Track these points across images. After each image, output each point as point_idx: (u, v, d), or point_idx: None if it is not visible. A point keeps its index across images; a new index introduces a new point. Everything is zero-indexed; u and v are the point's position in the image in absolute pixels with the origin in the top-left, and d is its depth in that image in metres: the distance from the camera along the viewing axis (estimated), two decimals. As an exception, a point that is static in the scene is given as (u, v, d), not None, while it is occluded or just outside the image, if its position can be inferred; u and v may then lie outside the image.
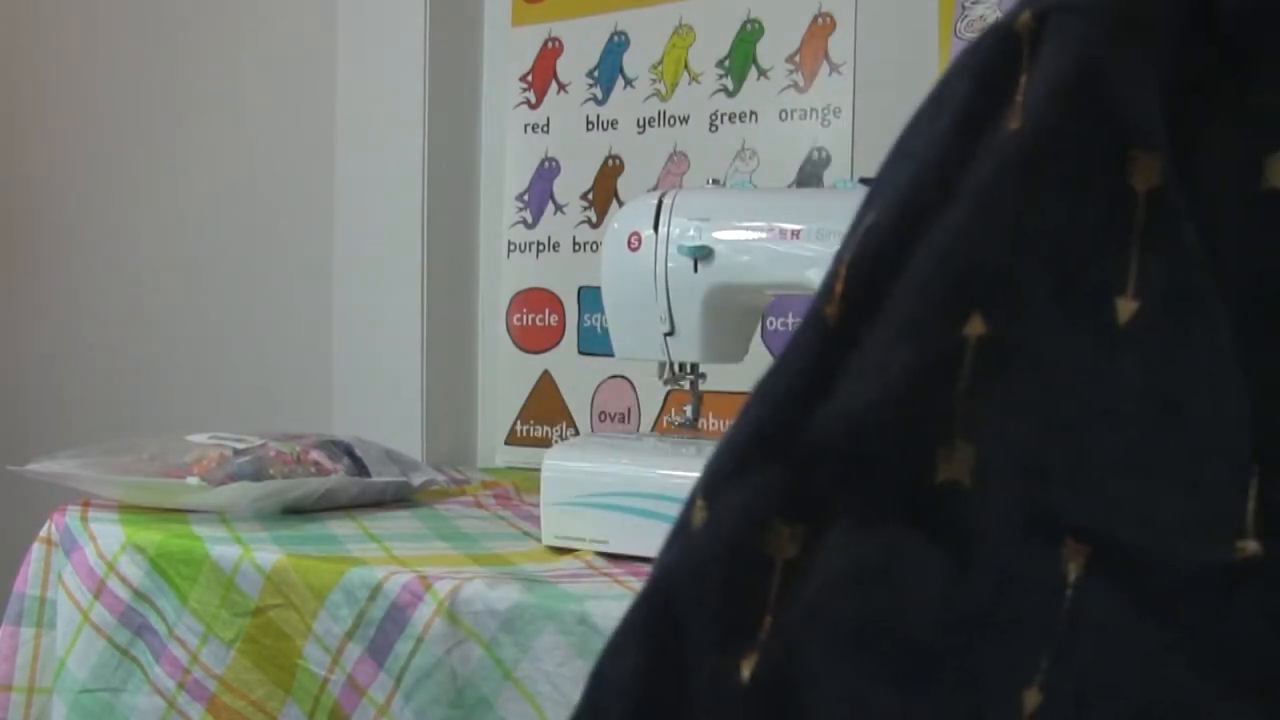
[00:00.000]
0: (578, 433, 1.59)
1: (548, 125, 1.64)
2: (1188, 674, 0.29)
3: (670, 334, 1.03)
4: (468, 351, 1.70)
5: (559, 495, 1.01)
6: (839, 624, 0.32)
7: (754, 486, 0.36)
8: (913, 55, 1.37)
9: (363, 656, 0.90)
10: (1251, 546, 0.30)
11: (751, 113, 1.48)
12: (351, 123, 1.69)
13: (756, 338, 1.32)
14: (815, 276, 0.95)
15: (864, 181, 1.00)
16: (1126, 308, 0.32)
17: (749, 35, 1.48)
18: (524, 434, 1.65)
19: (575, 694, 0.82)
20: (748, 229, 0.99)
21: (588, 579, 0.91)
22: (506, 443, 1.66)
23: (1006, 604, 0.31)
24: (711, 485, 0.38)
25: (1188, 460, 0.31)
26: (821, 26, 1.44)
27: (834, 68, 1.43)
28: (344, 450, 1.25)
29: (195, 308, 1.96)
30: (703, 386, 1.09)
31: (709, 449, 1.09)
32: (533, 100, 1.65)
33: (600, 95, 1.59)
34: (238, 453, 1.16)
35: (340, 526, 1.11)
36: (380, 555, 0.98)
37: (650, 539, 0.96)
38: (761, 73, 1.47)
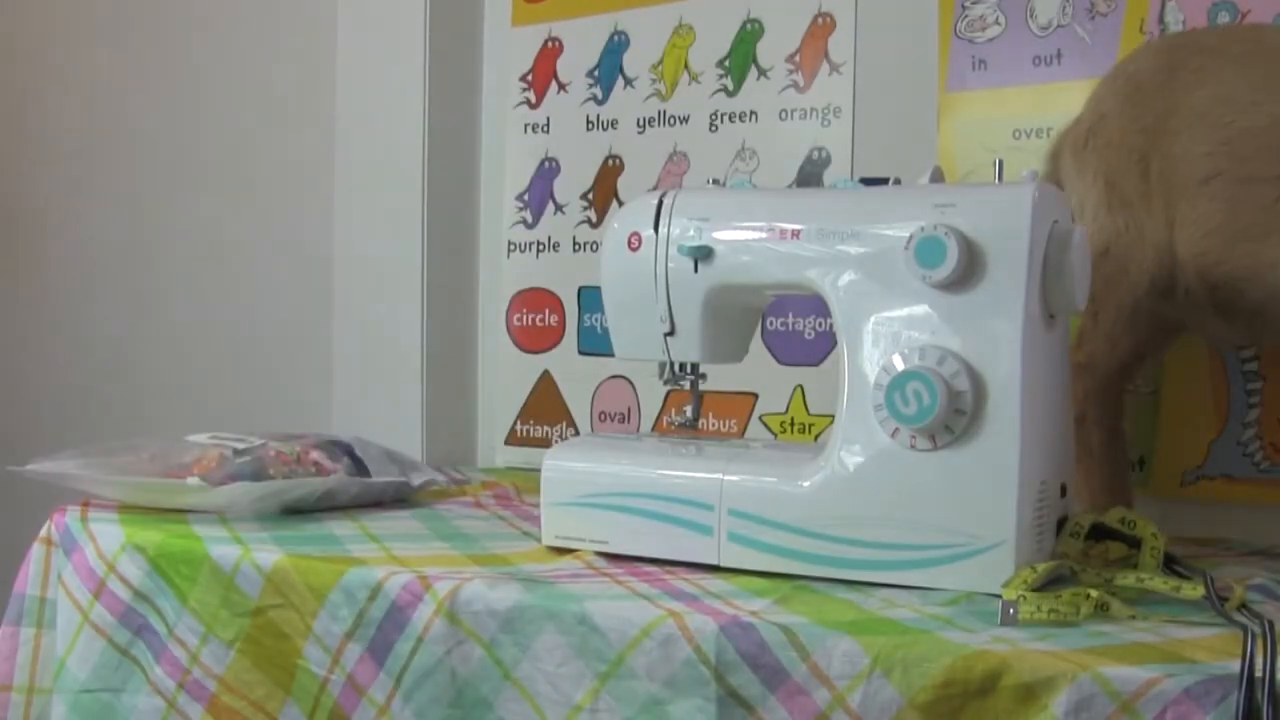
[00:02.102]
0: (578, 433, 1.59)
1: (548, 125, 1.64)
2: None
3: (670, 334, 1.03)
4: (468, 351, 1.70)
5: (559, 495, 1.01)
6: None
7: None
8: (913, 55, 1.37)
9: (363, 656, 0.90)
10: None
11: (751, 113, 1.48)
12: (351, 123, 1.69)
13: (757, 338, 1.33)
14: (815, 277, 0.95)
15: (864, 181, 1.00)
16: None
17: (749, 35, 1.48)
18: (524, 434, 1.65)
19: (575, 694, 0.82)
20: (748, 229, 0.99)
21: (588, 579, 0.91)
22: (506, 443, 1.66)
23: None
24: None
25: None
26: (821, 26, 1.44)
27: (834, 68, 1.43)
28: (344, 450, 1.25)
29: (195, 307, 1.96)
30: (703, 386, 1.09)
31: (709, 449, 1.09)
32: (533, 100, 1.64)
33: (600, 95, 1.59)
34: (238, 453, 1.16)
35: (340, 526, 1.11)
36: (380, 555, 0.98)
37: (650, 539, 0.96)
38: (761, 72, 1.47)
